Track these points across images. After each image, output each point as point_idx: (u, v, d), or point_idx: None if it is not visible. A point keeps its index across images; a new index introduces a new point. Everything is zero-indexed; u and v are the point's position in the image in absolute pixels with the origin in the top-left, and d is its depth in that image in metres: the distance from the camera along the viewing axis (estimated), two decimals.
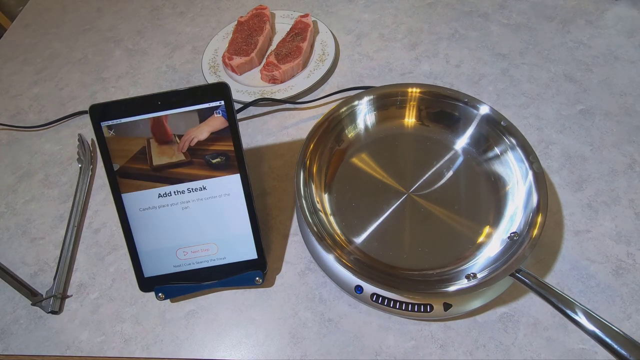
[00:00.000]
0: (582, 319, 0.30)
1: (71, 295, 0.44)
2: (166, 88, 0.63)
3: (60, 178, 0.54)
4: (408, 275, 0.40)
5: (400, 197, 0.45)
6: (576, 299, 0.32)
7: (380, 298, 0.38)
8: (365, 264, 0.41)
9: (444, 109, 0.48)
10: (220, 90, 0.39)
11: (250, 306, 0.42)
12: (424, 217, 0.44)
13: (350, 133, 0.50)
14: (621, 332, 0.29)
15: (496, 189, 0.45)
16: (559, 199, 0.46)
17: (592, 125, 0.51)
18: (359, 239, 0.43)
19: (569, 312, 0.31)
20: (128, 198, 0.40)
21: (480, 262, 0.40)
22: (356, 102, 0.49)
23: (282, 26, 0.67)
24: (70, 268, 0.46)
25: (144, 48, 0.69)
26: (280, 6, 0.71)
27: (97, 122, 0.39)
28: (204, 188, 0.40)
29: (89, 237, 0.48)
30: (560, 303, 0.32)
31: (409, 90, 0.49)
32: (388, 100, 0.50)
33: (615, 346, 0.28)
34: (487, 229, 0.42)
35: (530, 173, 0.41)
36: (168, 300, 0.43)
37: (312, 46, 0.63)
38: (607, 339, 0.29)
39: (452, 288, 0.36)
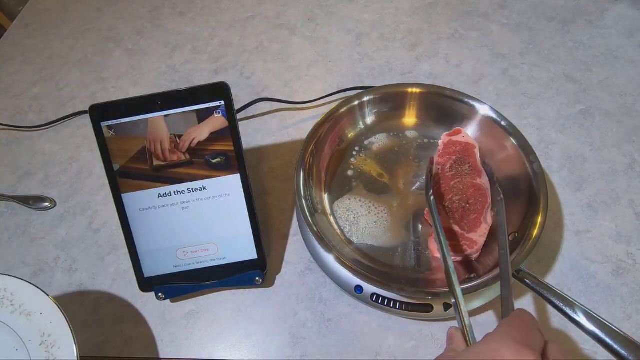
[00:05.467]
0: (582, 319, 0.30)
1: None
2: (166, 88, 0.63)
3: (60, 178, 0.54)
4: (408, 276, 0.40)
5: (400, 197, 0.45)
6: (576, 299, 0.32)
7: (380, 298, 0.38)
8: (365, 264, 0.41)
9: (443, 109, 0.48)
10: (220, 90, 0.39)
11: (250, 306, 0.42)
12: (424, 217, 0.44)
13: (350, 133, 0.50)
14: (621, 333, 0.29)
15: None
16: (559, 199, 0.46)
17: (592, 125, 0.51)
18: (359, 239, 0.43)
19: (569, 312, 0.31)
20: (128, 198, 0.40)
21: (480, 262, 0.40)
22: (356, 102, 0.49)
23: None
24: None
25: (144, 48, 0.69)
26: (280, 6, 0.71)
27: (97, 122, 0.39)
28: (204, 188, 0.40)
29: (89, 237, 0.48)
30: (560, 303, 0.32)
31: (409, 90, 0.49)
32: (388, 100, 0.50)
33: (616, 346, 0.28)
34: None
35: (530, 173, 0.41)
36: (168, 300, 0.43)
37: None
38: (607, 339, 0.29)
39: None
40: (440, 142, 0.46)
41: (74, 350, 0.35)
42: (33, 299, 0.37)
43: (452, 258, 0.39)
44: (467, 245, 0.39)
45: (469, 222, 0.40)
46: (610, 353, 0.28)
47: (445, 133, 0.46)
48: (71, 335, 0.35)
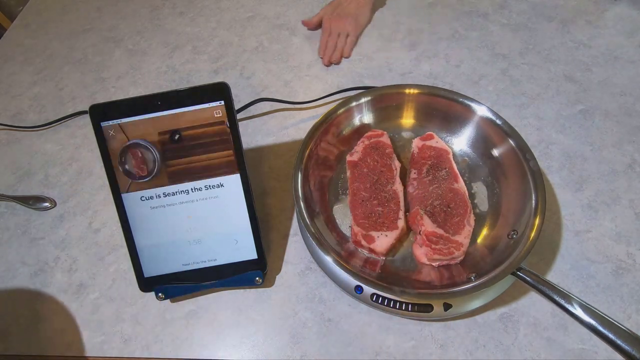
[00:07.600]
0: (583, 314, 0.30)
1: None
2: (166, 88, 0.63)
3: (60, 178, 0.54)
4: (408, 276, 0.40)
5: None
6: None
7: (380, 298, 0.38)
8: (364, 266, 0.40)
9: (442, 109, 0.48)
10: (220, 90, 0.39)
11: (250, 306, 0.42)
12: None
13: (348, 134, 0.50)
14: (623, 327, 0.29)
15: (494, 188, 0.45)
16: (559, 199, 0.46)
17: (592, 125, 0.51)
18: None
19: (570, 308, 0.31)
20: (128, 198, 0.40)
21: (480, 262, 0.40)
22: (354, 103, 0.49)
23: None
24: None
25: (144, 48, 0.69)
26: (280, 6, 0.71)
27: (97, 122, 0.39)
28: (204, 188, 0.40)
29: (89, 237, 0.48)
30: (561, 299, 0.32)
31: (407, 91, 0.49)
32: (386, 101, 0.50)
33: (618, 341, 0.28)
34: (486, 229, 0.42)
35: (528, 172, 0.41)
36: (168, 300, 0.43)
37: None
38: (609, 334, 0.29)
39: (452, 288, 0.36)
40: (413, 146, 0.47)
41: None
42: None
43: (439, 262, 0.40)
44: (453, 248, 0.39)
45: (453, 225, 0.41)
46: (612, 347, 0.29)
47: (418, 137, 0.47)
48: None
